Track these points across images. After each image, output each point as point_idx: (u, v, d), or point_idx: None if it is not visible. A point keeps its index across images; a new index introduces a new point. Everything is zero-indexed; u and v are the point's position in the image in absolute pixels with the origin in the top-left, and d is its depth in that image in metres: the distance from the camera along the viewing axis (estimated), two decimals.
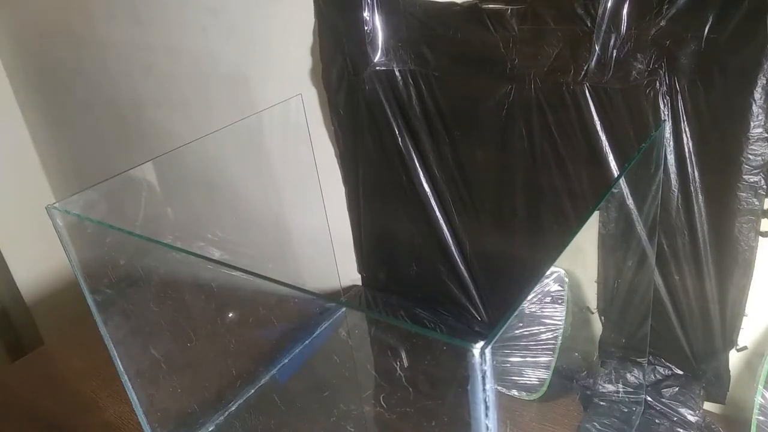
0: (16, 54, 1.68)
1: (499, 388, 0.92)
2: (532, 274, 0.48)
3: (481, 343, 0.38)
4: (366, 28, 0.90)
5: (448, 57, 0.87)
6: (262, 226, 1.26)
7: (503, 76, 0.83)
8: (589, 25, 0.74)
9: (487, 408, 0.40)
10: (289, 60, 1.07)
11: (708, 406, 0.89)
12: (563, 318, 0.90)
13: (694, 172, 0.75)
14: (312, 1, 0.96)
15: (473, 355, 0.38)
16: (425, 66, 0.90)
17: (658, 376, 0.89)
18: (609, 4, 0.71)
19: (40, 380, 1.14)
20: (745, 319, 0.81)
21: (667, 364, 0.89)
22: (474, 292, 1.05)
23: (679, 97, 0.72)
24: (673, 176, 0.76)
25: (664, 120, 0.74)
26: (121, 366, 0.76)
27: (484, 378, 0.39)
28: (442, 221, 1.01)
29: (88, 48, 1.45)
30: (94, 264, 0.73)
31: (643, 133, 0.76)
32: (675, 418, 0.85)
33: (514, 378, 0.94)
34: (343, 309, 1.15)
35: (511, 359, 0.93)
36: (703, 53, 0.69)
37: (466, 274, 1.04)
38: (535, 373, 0.92)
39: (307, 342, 1.10)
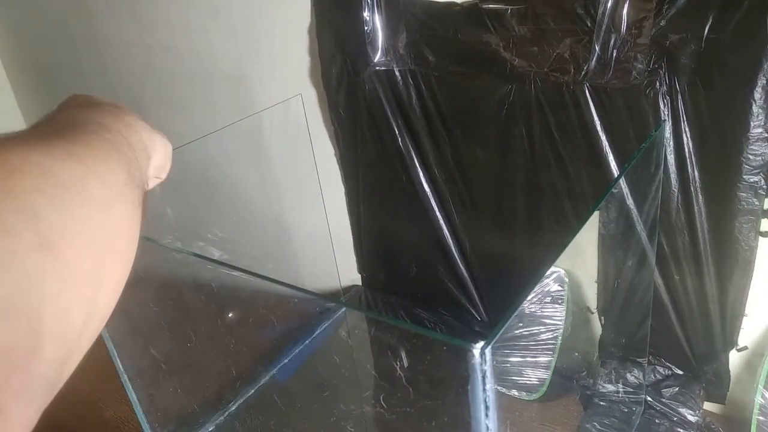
0: (16, 54, 1.68)
1: (499, 388, 0.92)
2: (532, 274, 0.48)
3: (481, 343, 0.38)
4: (366, 28, 0.90)
5: (448, 57, 0.87)
6: (263, 226, 1.26)
7: (503, 76, 0.83)
8: (589, 25, 0.74)
9: (487, 408, 0.40)
10: (289, 60, 1.07)
11: (708, 406, 0.89)
12: (563, 318, 0.90)
13: (694, 172, 0.75)
14: (312, 2, 0.96)
15: (473, 355, 0.38)
16: (425, 66, 0.90)
17: (658, 376, 0.89)
18: (609, 4, 0.71)
19: None
20: (745, 319, 0.81)
21: (667, 364, 0.89)
22: (474, 292, 1.05)
23: (679, 97, 0.72)
24: (673, 176, 0.76)
25: (664, 120, 0.74)
26: (121, 366, 0.75)
27: (484, 378, 0.39)
28: (442, 221, 1.01)
29: (88, 48, 1.44)
30: None
31: (643, 133, 0.76)
32: (675, 418, 0.85)
33: (514, 378, 0.94)
34: (343, 309, 1.15)
35: (511, 359, 0.93)
36: (703, 53, 0.69)
37: (466, 274, 1.04)
38: (535, 373, 0.92)
39: (307, 342, 1.10)
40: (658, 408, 0.87)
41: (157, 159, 0.40)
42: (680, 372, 0.88)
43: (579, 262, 0.89)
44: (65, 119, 0.32)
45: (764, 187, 0.71)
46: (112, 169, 0.30)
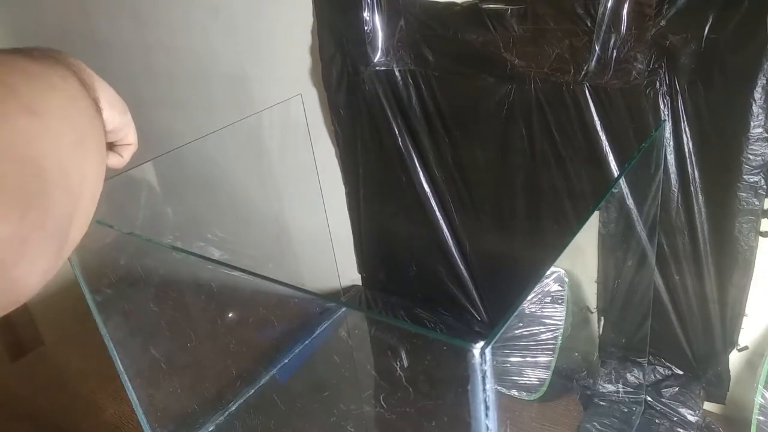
0: None
1: (499, 388, 0.92)
2: (532, 274, 0.48)
3: (481, 343, 0.38)
4: (366, 28, 0.90)
5: (448, 57, 0.87)
6: (262, 226, 1.26)
7: (503, 76, 0.83)
8: (589, 25, 0.74)
9: (487, 408, 0.40)
10: (289, 60, 1.07)
11: (708, 406, 0.89)
12: (563, 318, 0.90)
13: (694, 172, 0.75)
14: (312, 1, 0.96)
15: (473, 355, 0.38)
16: (425, 66, 0.90)
17: (658, 376, 0.89)
18: (609, 4, 0.71)
19: (40, 380, 1.14)
20: (745, 319, 0.81)
21: (667, 364, 0.89)
22: (474, 292, 1.05)
23: (679, 97, 0.72)
24: (673, 176, 0.76)
25: (664, 120, 0.74)
26: (121, 366, 0.76)
27: (484, 378, 0.39)
28: (442, 221, 1.01)
29: (88, 48, 1.44)
30: (94, 264, 0.73)
31: (643, 133, 0.76)
32: (675, 418, 0.85)
33: (514, 378, 0.94)
34: (343, 309, 1.15)
35: (511, 359, 0.93)
36: (703, 53, 0.69)
37: (466, 274, 1.04)
38: (535, 373, 0.92)
39: (307, 342, 1.10)
40: (658, 408, 0.87)
41: (106, 92, 0.40)
42: (680, 372, 0.88)
43: (579, 262, 0.89)
44: (10, 51, 0.34)
45: (764, 187, 0.71)
46: (66, 73, 0.32)
